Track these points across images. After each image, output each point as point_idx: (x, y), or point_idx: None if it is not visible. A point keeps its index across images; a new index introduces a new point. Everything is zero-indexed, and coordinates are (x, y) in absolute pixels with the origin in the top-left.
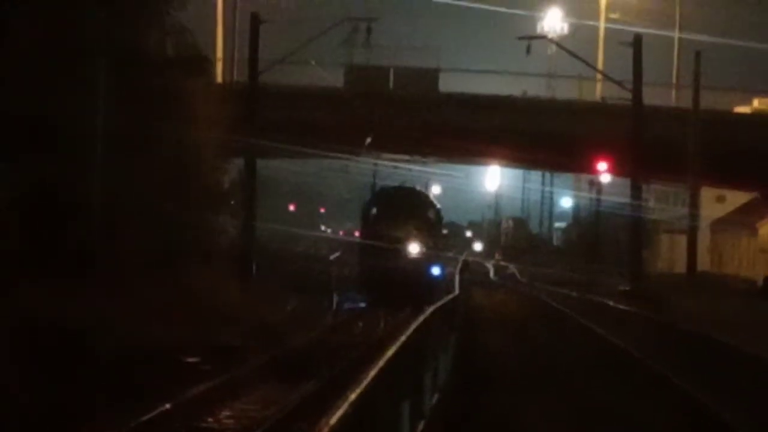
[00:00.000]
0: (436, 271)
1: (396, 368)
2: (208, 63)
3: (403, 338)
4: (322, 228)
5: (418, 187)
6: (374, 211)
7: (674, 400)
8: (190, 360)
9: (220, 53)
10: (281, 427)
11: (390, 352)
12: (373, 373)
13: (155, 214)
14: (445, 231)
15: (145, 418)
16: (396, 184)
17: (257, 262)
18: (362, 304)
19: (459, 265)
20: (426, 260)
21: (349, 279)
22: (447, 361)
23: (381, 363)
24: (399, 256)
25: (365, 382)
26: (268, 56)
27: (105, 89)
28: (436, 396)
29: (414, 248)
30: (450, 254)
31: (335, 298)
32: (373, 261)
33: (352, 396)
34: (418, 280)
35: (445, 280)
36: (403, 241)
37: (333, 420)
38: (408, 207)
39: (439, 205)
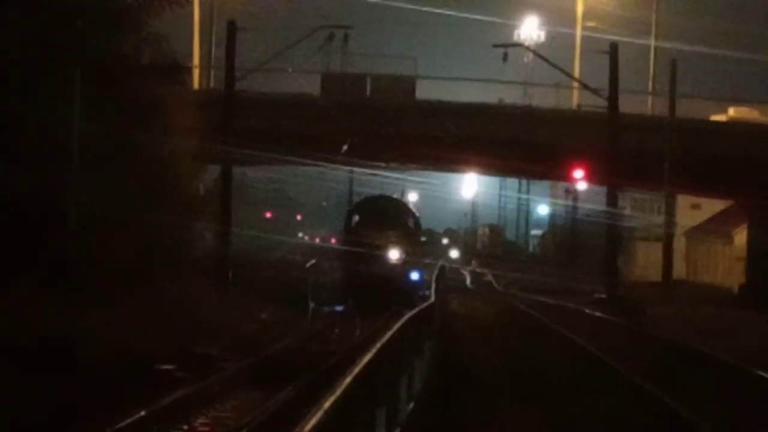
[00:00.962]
0: (415, 276)
1: (371, 376)
2: (184, 70)
3: (378, 345)
4: (300, 235)
5: (395, 196)
6: (356, 218)
7: (645, 406)
8: (166, 368)
9: (196, 60)
10: None
11: (365, 360)
12: (347, 380)
13: (133, 221)
14: (423, 238)
15: (120, 425)
16: (372, 191)
17: (233, 270)
18: (339, 308)
19: (435, 272)
20: (406, 266)
21: (325, 287)
22: (422, 369)
23: (356, 371)
24: (380, 261)
25: (340, 390)
26: (245, 64)
27: (81, 97)
28: (411, 404)
29: (394, 254)
30: (427, 260)
31: (311, 306)
32: (356, 266)
33: (327, 404)
34: (398, 285)
35: (424, 285)
36: (383, 248)
37: (307, 428)
38: (388, 215)
39: (417, 214)
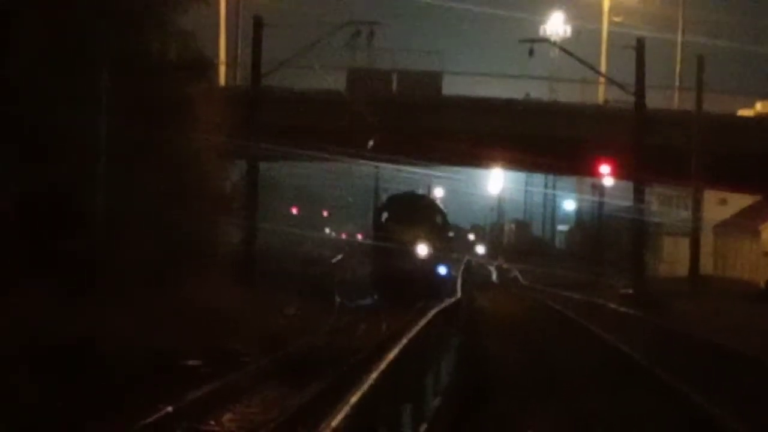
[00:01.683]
0: (442, 270)
1: (397, 372)
2: (210, 67)
3: (404, 341)
4: (327, 231)
5: (421, 191)
6: (385, 215)
7: (672, 404)
8: (192, 363)
9: (223, 56)
10: (283, 430)
11: (391, 356)
12: (374, 376)
13: (158, 219)
14: (450, 234)
15: (148, 420)
16: (399, 187)
17: (259, 266)
18: (365, 303)
19: (461, 267)
20: (433, 260)
21: (352, 282)
22: (449, 364)
23: (382, 366)
24: (408, 256)
25: (366, 385)
26: (270, 60)
27: (107, 95)
28: (437, 399)
29: (422, 249)
30: (454, 256)
31: (338, 301)
32: (384, 261)
33: (353, 399)
34: (426, 280)
35: (451, 280)
36: (412, 243)
37: (334, 422)
38: (417, 212)
39: (445, 210)
